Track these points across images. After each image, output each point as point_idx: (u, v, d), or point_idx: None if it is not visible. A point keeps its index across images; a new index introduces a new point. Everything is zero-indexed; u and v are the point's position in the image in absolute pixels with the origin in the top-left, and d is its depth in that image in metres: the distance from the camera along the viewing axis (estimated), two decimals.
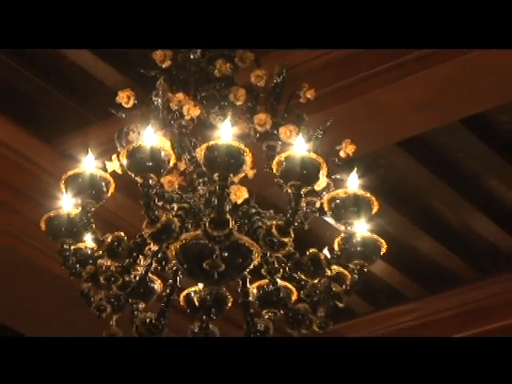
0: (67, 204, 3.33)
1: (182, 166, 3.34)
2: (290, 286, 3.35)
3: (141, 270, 3.34)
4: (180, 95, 3.37)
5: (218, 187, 3.10)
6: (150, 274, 3.35)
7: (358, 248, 3.29)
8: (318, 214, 3.30)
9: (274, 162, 3.14)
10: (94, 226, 3.28)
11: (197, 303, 3.30)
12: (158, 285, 3.38)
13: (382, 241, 3.30)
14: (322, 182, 3.22)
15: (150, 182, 3.15)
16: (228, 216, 3.13)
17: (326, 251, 3.31)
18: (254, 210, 3.31)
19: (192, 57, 3.49)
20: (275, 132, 3.33)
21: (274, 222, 3.21)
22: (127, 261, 3.30)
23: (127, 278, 3.31)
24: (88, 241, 3.35)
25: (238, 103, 3.37)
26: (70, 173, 3.28)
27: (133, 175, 3.14)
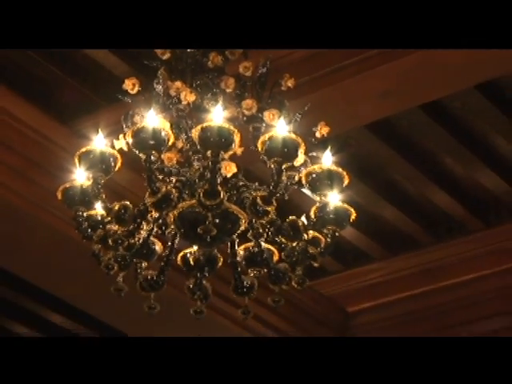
0: (80, 177, 3.33)
1: (179, 145, 3.35)
2: (272, 248, 3.35)
3: (144, 233, 3.34)
4: (178, 83, 3.38)
5: (210, 163, 3.13)
6: (151, 238, 3.35)
7: (331, 216, 3.29)
8: (296, 187, 3.30)
9: (259, 142, 3.17)
10: (103, 195, 3.30)
11: (192, 262, 3.37)
12: (158, 247, 3.37)
13: (352, 209, 3.31)
14: (301, 158, 3.22)
15: (152, 158, 3.18)
16: (219, 188, 3.15)
17: (303, 218, 3.32)
18: (241, 183, 3.32)
19: (188, 50, 3.51)
20: (260, 115, 3.34)
21: (259, 193, 3.25)
22: (132, 226, 3.31)
23: (132, 241, 3.33)
24: (98, 208, 3.35)
25: (228, 90, 3.37)
26: (83, 150, 3.30)
27: (137, 152, 3.17)
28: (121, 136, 3.31)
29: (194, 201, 3.21)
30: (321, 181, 3.27)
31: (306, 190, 3.30)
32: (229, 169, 3.29)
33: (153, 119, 3.18)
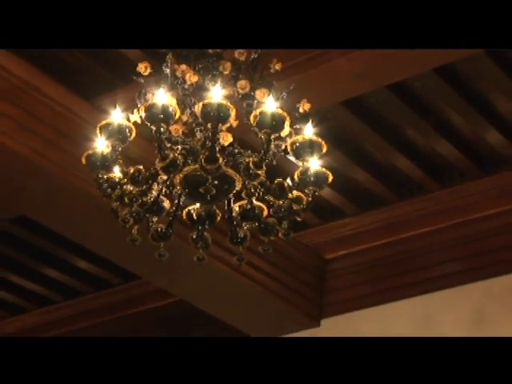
0: (101, 145, 3.34)
1: (184, 118, 3.34)
2: (262, 205, 3.37)
3: (154, 193, 3.36)
4: (183, 66, 3.37)
5: (210, 133, 3.14)
6: (161, 196, 3.36)
7: (312, 178, 3.31)
8: (283, 154, 3.30)
9: (252, 116, 3.17)
10: (120, 161, 3.33)
11: (195, 217, 3.38)
12: (166, 204, 3.38)
13: (329, 173, 3.34)
14: (286, 130, 3.23)
15: (161, 129, 3.18)
16: (218, 154, 3.18)
17: (288, 180, 3.35)
18: (236, 150, 3.32)
19: None
20: (252, 94, 3.34)
21: (251, 159, 3.26)
22: (144, 186, 3.33)
23: (144, 199, 3.35)
24: (116, 172, 3.37)
25: (226, 73, 3.37)
26: (103, 122, 3.31)
27: (149, 124, 3.17)
28: (135, 111, 3.32)
29: (196, 165, 3.24)
30: (303, 149, 3.29)
31: (290, 157, 3.32)
32: (226, 139, 3.29)
33: (162, 97, 3.19)
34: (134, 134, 3.31)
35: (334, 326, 6.06)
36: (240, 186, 3.29)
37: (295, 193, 3.33)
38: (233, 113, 3.11)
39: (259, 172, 3.25)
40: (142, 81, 3.34)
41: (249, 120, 3.21)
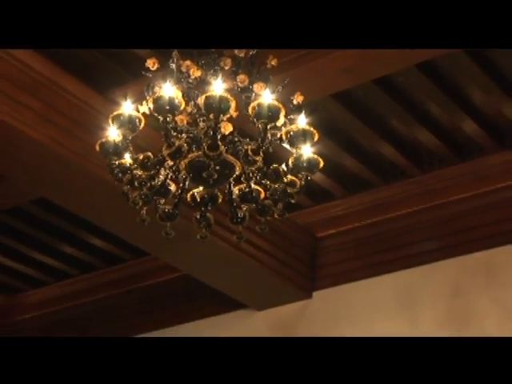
0: (113, 133, 3.35)
1: (189, 109, 3.33)
2: (259, 188, 3.37)
3: (162, 177, 3.36)
4: (188, 62, 3.36)
5: (212, 123, 3.14)
6: (168, 180, 3.36)
7: (304, 164, 3.32)
8: (278, 142, 3.30)
9: (250, 107, 3.19)
10: (131, 148, 3.34)
11: (198, 199, 3.37)
12: (173, 187, 3.37)
13: (320, 159, 3.34)
14: (282, 120, 3.24)
15: (168, 119, 3.19)
16: (219, 142, 3.18)
17: (283, 166, 3.35)
18: (236, 139, 3.33)
19: None
20: (251, 87, 3.32)
21: (250, 147, 3.28)
22: (153, 171, 3.34)
23: (153, 183, 3.35)
24: (127, 158, 3.37)
25: (226, 68, 3.36)
26: (115, 113, 3.31)
27: (156, 115, 3.18)
28: (144, 102, 3.32)
29: (200, 152, 3.25)
30: (297, 137, 3.29)
31: (285, 144, 3.33)
32: (226, 128, 3.29)
33: (168, 90, 3.20)
34: (142, 124, 3.32)
35: (325, 298, 6.07)
36: (239, 170, 3.30)
37: (289, 177, 3.33)
38: (233, 104, 3.14)
39: (257, 158, 3.27)
40: (150, 75, 3.33)
41: (247, 111, 3.22)
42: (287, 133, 3.27)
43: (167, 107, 3.19)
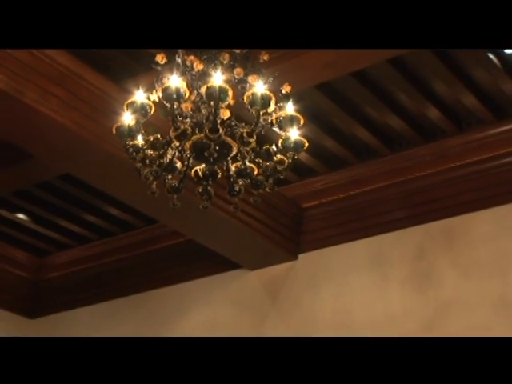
0: (127, 118, 3.33)
1: (192, 98, 3.32)
2: (253, 166, 3.37)
3: (169, 156, 3.36)
4: (192, 57, 3.35)
5: (213, 110, 3.14)
6: (174, 159, 3.36)
7: (292, 145, 3.33)
8: (269, 126, 3.29)
9: (245, 96, 3.20)
10: (142, 131, 3.33)
11: (201, 175, 3.37)
12: (178, 165, 3.37)
13: (305, 141, 3.35)
14: (272, 107, 3.24)
15: (175, 106, 3.20)
16: (218, 126, 3.19)
17: (274, 146, 3.35)
18: (233, 123, 3.31)
19: None
20: (246, 79, 3.30)
21: (245, 130, 3.29)
22: (161, 151, 3.34)
23: (161, 161, 3.35)
24: (139, 140, 3.35)
25: (225, 62, 3.33)
26: (129, 101, 3.30)
27: (165, 102, 3.19)
28: (154, 92, 3.30)
29: (202, 135, 3.25)
30: (285, 122, 3.29)
31: (275, 128, 3.33)
32: (225, 114, 3.26)
33: (175, 81, 3.20)
34: (153, 110, 3.31)
35: (309, 260, 6.08)
36: (236, 150, 3.31)
37: (279, 156, 3.34)
38: (230, 93, 3.14)
39: (251, 140, 3.29)
40: (159, 68, 3.31)
41: (243, 99, 3.21)
42: (277, 118, 3.27)
43: (174, 96, 3.19)
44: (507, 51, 4.72)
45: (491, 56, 4.76)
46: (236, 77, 3.32)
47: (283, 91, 3.33)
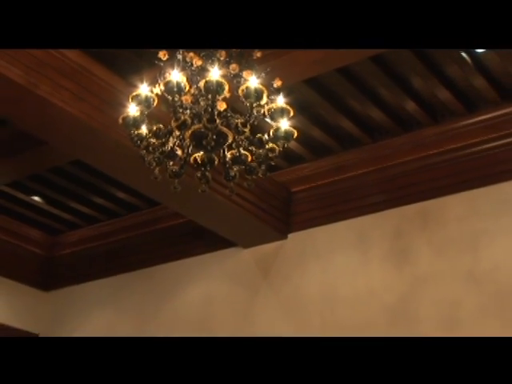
0: (132, 110, 3.32)
1: (192, 91, 3.31)
2: (247, 153, 3.36)
3: (171, 144, 3.36)
4: (191, 54, 3.33)
5: (211, 102, 3.14)
6: (175, 147, 3.35)
7: (282, 134, 3.33)
8: (262, 117, 3.29)
9: (240, 89, 3.19)
10: (146, 121, 3.31)
11: (199, 161, 3.36)
12: (179, 152, 3.37)
13: (294, 131, 3.34)
14: (264, 100, 3.23)
15: (176, 99, 3.20)
16: (216, 117, 3.18)
17: (266, 135, 3.35)
18: (229, 114, 3.31)
19: None
20: (241, 74, 3.29)
21: (239, 120, 3.28)
22: (164, 139, 3.33)
23: (163, 148, 3.34)
24: (143, 129, 3.34)
25: (222, 59, 3.31)
26: (134, 93, 3.30)
27: (166, 95, 3.19)
28: (157, 85, 3.29)
29: (200, 125, 3.24)
30: (276, 113, 3.28)
31: (267, 119, 3.32)
32: (221, 106, 3.26)
33: (176, 75, 3.20)
34: (156, 102, 3.30)
35: (297, 239, 6.09)
36: (231, 139, 3.30)
37: (270, 145, 3.33)
38: (226, 87, 3.13)
39: (245, 129, 3.28)
40: (162, 64, 3.30)
41: (238, 92, 3.20)
42: (269, 110, 3.26)
43: (175, 89, 3.19)
44: (477, 50, 4.73)
45: (463, 54, 4.77)
46: (232, 72, 3.30)
47: (274, 85, 3.32)
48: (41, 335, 7.22)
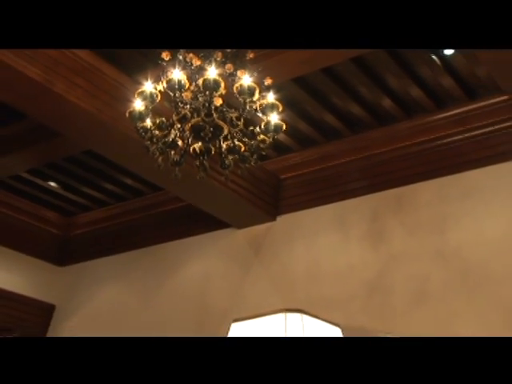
0: (138, 105, 3.30)
1: (191, 88, 3.30)
2: (241, 144, 3.35)
3: (172, 136, 3.34)
4: (191, 54, 3.32)
5: (208, 98, 3.14)
6: (176, 138, 3.34)
7: (272, 127, 3.31)
8: (254, 111, 3.28)
9: (234, 87, 3.18)
10: (150, 115, 3.29)
11: (198, 151, 3.35)
12: (180, 143, 3.35)
13: (283, 124, 3.33)
14: (256, 96, 3.22)
15: (177, 95, 3.19)
16: (213, 111, 3.16)
17: (257, 128, 3.33)
18: (225, 109, 3.28)
19: None
20: (235, 73, 3.28)
21: (234, 115, 3.27)
22: (166, 131, 3.31)
23: (166, 140, 3.33)
24: (148, 122, 3.32)
25: (218, 59, 3.31)
26: (139, 90, 3.29)
27: (169, 92, 3.19)
28: (160, 83, 3.28)
29: (199, 118, 3.23)
30: (267, 108, 3.27)
31: (259, 113, 3.31)
32: (218, 101, 3.24)
33: (177, 74, 3.19)
34: (159, 98, 3.29)
35: (285, 221, 6.09)
36: (226, 131, 3.28)
37: (262, 136, 3.32)
38: (222, 85, 3.13)
39: (239, 123, 3.27)
40: (165, 64, 3.29)
41: (233, 89, 3.20)
42: (260, 105, 3.25)
43: (176, 86, 3.18)
44: (446, 52, 4.74)
45: (433, 57, 4.78)
46: (227, 71, 3.29)
47: (265, 83, 3.32)
48: (56, 305, 7.23)
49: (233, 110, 3.29)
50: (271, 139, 3.33)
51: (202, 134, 3.22)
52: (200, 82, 3.16)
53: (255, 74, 3.26)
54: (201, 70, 3.29)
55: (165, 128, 3.32)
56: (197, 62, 3.30)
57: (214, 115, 3.19)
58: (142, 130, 3.33)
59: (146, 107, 3.30)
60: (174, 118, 3.28)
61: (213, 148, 3.34)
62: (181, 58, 3.30)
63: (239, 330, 2.25)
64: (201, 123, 3.21)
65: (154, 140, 3.32)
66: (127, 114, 3.33)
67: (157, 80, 3.31)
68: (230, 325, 2.35)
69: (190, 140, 3.34)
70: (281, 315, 2.21)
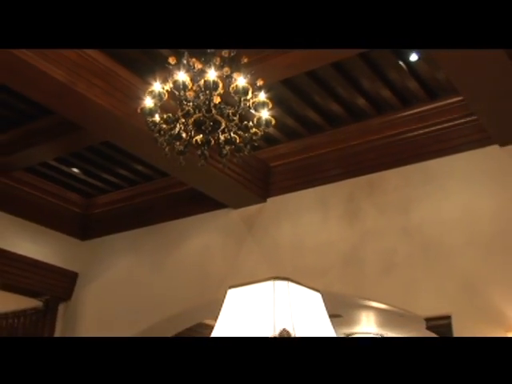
0: (148, 102, 3.29)
1: (194, 88, 3.28)
2: (236, 136, 3.34)
3: (177, 129, 3.32)
4: (193, 59, 3.31)
5: (208, 96, 3.12)
6: (181, 131, 3.32)
7: (263, 122, 3.30)
8: (248, 108, 3.27)
9: (231, 87, 3.17)
10: (159, 111, 3.27)
11: (199, 142, 3.35)
12: (184, 135, 3.34)
13: (273, 119, 3.35)
14: (250, 95, 3.21)
15: (181, 94, 3.18)
16: (212, 108, 3.15)
17: (250, 123, 3.32)
18: (222, 106, 3.29)
19: None
20: (231, 75, 3.27)
21: (230, 111, 3.26)
22: (172, 125, 3.30)
23: (172, 132, 3.33)
24: (156, 117, 3.31)
25: (217, 63, 3.30)
26: (149, 89, 3.30)
27: (174, 91, 3.18)
28: (167, 83, 3.28)
29: (200, 114, 3.23)
30: (259, 106, 3.26)
31: (252, 110, 3.29)
32: (217, 99, 3.25)
33: (182, 76, 3.18)
34: (166, 96, 3.28)
35: (274, 202, 6.10)
36: (224, 125, 3.28)
37: (254, 130, 3.32)
38: (220, 85, 3.15)
39: (235, 118, 3.27)
40: (171, 67, 3.28)
41: (229, 89, 3.20)
42: (253, 103, 3.25)
43: (181, 86, 3.17)
44: (411, 59, 4.72)
45: (400, 62, 4.77)
46: (225, 73, 3.29)
47: (258, 84, 3.32)
48: (79, 273, 7.23)
49: (229, 107, 3.29)
50: (262, 132, 3.34)
51: (202, 128, 3.22)
52: (201, 82, 3.16)
53: (249, 76, 3.26)
54: (202, 72, 3.28)
55: (171, 122, 3.31)
56: (198, 66, 3.29)
57: (213, 111, 3.19)
58: (151, 124, 3.32)
59: (155, 104, 3.29)
60: (179, 113, 3.27)
61: (212, 139, 3.34)
62: (185, 62, 3.29)
63: (235, 294, 2.25)
64: (202, 118, 3.21)
65: (162, 132, 3.32)
66: (139, 110, 3.32)
67: (164, 81, 3.30)
68: (226, 290, 2.35)
69: (192, 133, 3.34)
70: (270, 282, 2.20)
